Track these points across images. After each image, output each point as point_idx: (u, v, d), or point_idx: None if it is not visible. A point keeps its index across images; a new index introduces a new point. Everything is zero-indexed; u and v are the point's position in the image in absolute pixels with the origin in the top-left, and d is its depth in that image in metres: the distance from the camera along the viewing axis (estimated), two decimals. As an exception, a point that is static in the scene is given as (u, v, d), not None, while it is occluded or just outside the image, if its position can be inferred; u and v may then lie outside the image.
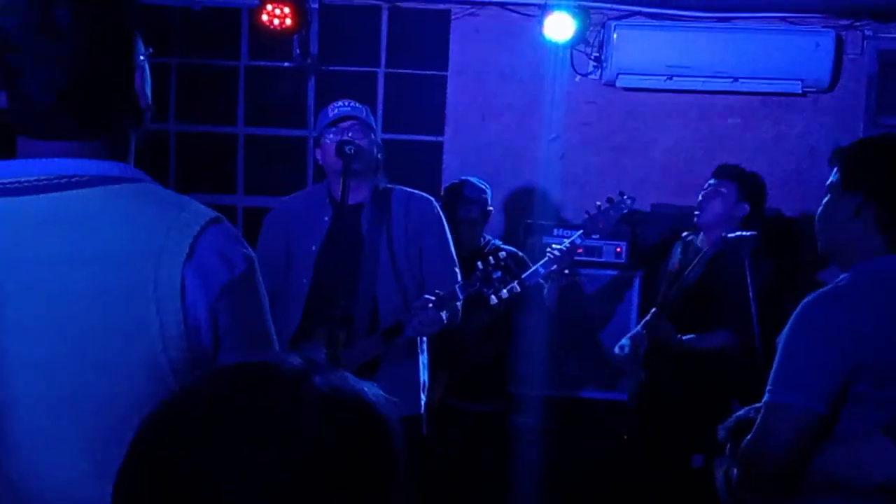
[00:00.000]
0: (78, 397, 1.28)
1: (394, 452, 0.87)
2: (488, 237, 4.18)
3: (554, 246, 3.44)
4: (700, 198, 3.89)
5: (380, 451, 0.86)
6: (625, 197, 3.42)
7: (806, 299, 1.94)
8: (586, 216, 3.42)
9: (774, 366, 1.92)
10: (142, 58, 1.42)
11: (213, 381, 0.89)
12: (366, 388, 0.90)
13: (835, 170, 2.07)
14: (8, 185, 1.31)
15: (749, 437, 1.93)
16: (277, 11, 4.63)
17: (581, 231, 3.43)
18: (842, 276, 1.98)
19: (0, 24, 1.29)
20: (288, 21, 4.69)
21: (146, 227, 1.29)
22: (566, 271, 3.63)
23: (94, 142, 1.35)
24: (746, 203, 3.81)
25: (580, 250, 4.43)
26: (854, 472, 1.88)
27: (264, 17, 4.64)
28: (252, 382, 0.86)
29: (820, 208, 2.09)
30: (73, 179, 1.31)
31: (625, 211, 3.49)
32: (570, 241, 3.38)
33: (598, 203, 3.38)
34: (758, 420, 1.92)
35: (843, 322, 1.85)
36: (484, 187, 4.14)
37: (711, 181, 3.89)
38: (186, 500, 0.79)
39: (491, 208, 4.17)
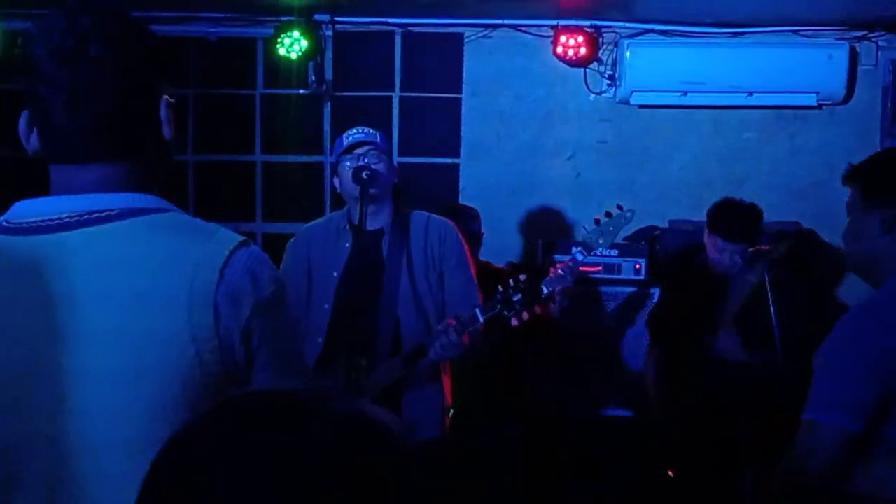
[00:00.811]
0: (115, 440, 1.30)
1: (411, 482, 0.86)
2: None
3: (557, 265, 3.33)
4: (716, 254, 3.72)
5: (396, 480, 0.85)
6: (625, 210, 3.29)
7: (842, 317, 1.93)
8: (585, 232, 3.31)
9: (814, 381, 1.91)
10: (166, 96, 1.46)
11: (227, 406, 0.89)
12: (386, 417, 0.89)
13: (854, 188, 2.06)
14: (42, 224, 1.35)
15: (789, 453, 1.93)
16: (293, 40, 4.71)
17: (581, 248, 3.27)
18: (878, 292, 1.97)
19: (34, 54, 1.35)
20: (303, 49, 4.76)
21: (177, 258, 1.33)
22: (568, 291, 3.53)
23: (122, 166, 1.40)
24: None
25: (599, 268, 4.45)
26: (881, 489, 1.86)
27: (279, 47, 4.71)
28: (265, 408, 0.86)
29: (846, 228, 2.09)
30: (104, 214, 1.35)
31: (625, 224, 3.34)
32: (570, 258, 3.26)
33: (597, 217, 3.29)
34: (797, 437, 1.91)
35: (878, 340, 1.85)
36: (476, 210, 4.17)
37: (721, 243, 3.68)
38: None
39: (483, 231, 4.19)
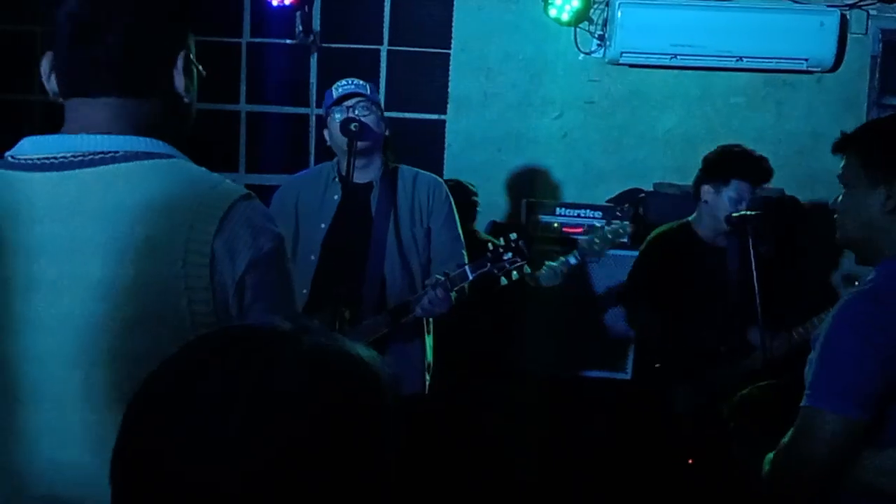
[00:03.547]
0: (105, 356, 1.30)
1: (385, 410, 0.86)
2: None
3: (551, 264, 3.39)
4: (731, 207, 3.52)
5: (370, 409, 0.85)
6: (624, 223, 3.40)
7: (843, 299, 1.86)
8: (583, 233, 3.40)
9: (813, 367, 1.84)
10: (189, 53, 1.48)
11: (200, 343, 0.88)
12: (360, 350, 0.88)
13: (847, 157, 1.96)
14: (46, 161, 1.35)
15: (788, 441, 1.87)
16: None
17: (576, 251, 3.39)
18: (876, 274, 1.89)
19: None
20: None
21: (177, 206, 1.32)
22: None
23: (129, 105, 1.40)
24: None
25: (581, 230, 4.45)
26: (886, 479, 1.81)
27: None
28: (236, 343, 0.86)
29: (841, 202, 1.99)
30: (108, 155, 1.34)
31: (623, 236, 3.45)
32: (566, 261, 3.36)
33: (595, 224, 3.38)
34: (797, 424, 1.85)
35: (882, 324, 1.78)
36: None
37: (746, 188, 3.52)
38: (168, 471, 0.79)
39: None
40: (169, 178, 1.35)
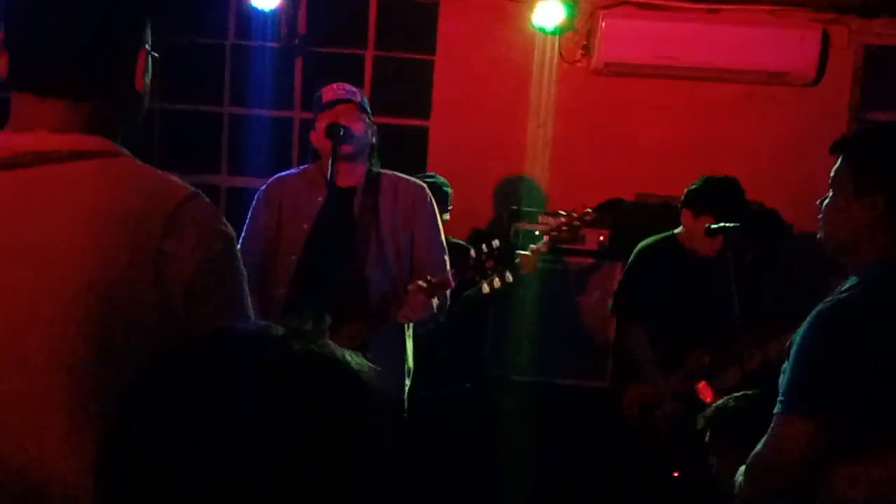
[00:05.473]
0: (51, 361, 1.27)
1: (372, 413, 0.87)
2: None
3: (522, 252, 3.43)
4: (700, 238, 3.60)
5: (359, 411, 0.86)
6: (588, 212, 3.44)
7: (822, 307, 1.84)
8: (551, 224, 3.45)
9: (788, 375, 1.83)
10: (148, 47, 1.44)
11: (190, 348, 0.88)
12: (348, 355, 0.89)
13: (840, 160, 1.95)
14: None
15: (760, 448, 1.86)
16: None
17: (546, 239, 3.42)
18: (854, 283, 1.87)
19: None
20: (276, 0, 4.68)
21: (123, 205, 1.28)
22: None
23: (83, 106, 1.36)
24: None
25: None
26: (857, 490, 1.80)
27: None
28: (230, 345, 0.87)
29: (827, 201, 1.98)
30: (53, 155, 1.31)
31: (584, 226, 3.53)
32: (535, 247, 3.40)
33: (562, 212, 3.42)
34: (770, 431, 1.84)
35: (861, 337, 1.77)
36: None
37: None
38: (161, 470, 0.79)
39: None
40: (115, 179, 1.32)
